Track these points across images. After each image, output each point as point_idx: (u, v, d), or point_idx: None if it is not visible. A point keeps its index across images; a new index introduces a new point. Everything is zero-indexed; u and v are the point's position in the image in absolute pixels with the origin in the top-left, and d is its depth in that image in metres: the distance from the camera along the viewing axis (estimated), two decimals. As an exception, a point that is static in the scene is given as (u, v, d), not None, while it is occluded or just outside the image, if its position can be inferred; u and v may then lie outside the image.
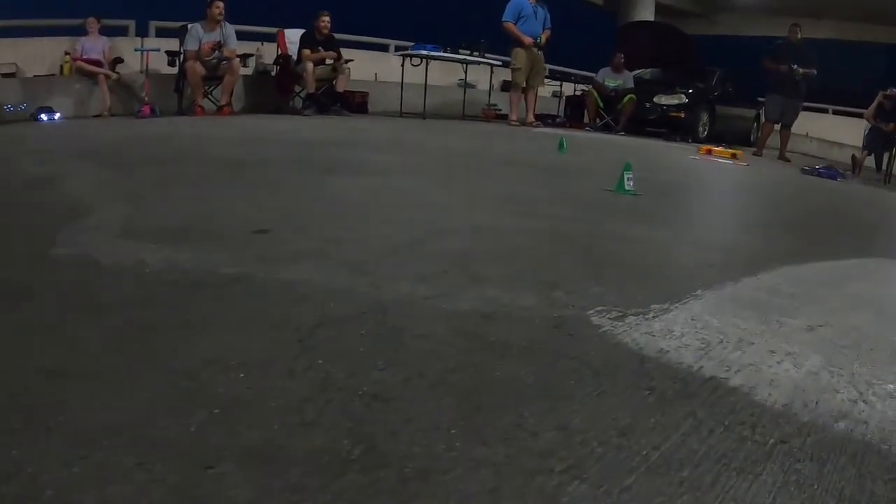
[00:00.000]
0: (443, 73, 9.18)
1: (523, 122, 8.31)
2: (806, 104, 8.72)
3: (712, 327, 1.48)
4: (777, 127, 8.22)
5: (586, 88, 9.54)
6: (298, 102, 7.65)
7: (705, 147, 7.24)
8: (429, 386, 1.08)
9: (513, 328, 1.37)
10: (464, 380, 1.12)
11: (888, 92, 7.96)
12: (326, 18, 7.51)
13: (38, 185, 2.72)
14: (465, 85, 9.07)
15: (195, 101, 6.64)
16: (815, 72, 7.87)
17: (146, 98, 6.44)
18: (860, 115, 9.14)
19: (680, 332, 1.43)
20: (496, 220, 2.50)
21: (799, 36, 7.95)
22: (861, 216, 4.31)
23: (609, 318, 1.47)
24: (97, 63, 6.53)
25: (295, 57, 7.52)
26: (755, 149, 8.52)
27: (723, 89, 9.80)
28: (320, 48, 7.47)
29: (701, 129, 9.13)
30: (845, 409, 1.14)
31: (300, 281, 1.57)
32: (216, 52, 6.68)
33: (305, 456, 0.86)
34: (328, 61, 7.56)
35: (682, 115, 8.91)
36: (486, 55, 8.64)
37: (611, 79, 9.03)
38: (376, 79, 9.20)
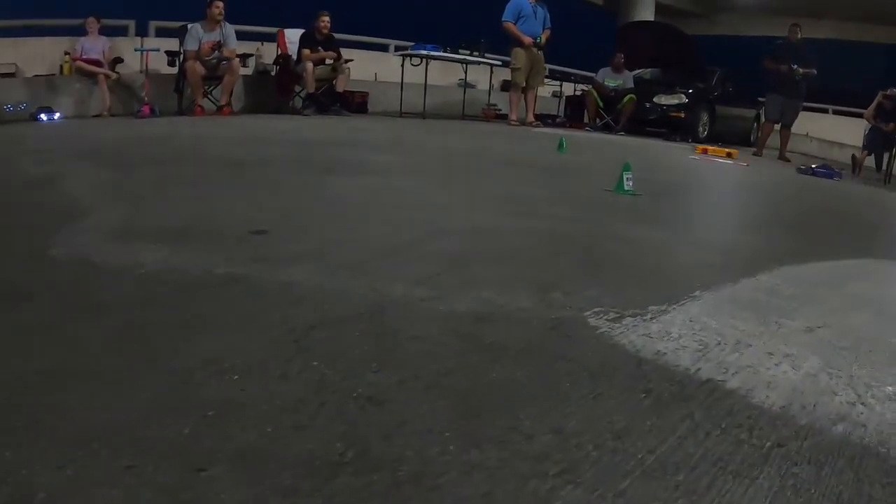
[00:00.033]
0: (443, 73, 9.18)
1: (523, 122, 8.30)
2: (806, 104, 8.72)
3: (710, 329, 1.47)
4: (777, 127, 8.21)
5: (586, 88, 9.53)
6: (298, 102, 7.66)
7: (701, 147, 7.33)
8: (423, 388, 1.08)
9: (509, 330, 1.36)
10: (459, 382, 1.11)
11: (888, 92, 7.95)
12: (326, 18, 7.51)
13: (38, 185, 2.71)
14: (465, 85, 9.07)
15: (195, 101, 6.64)
16: (815, 72, 7.87)
17: (146, 98, 6.44)
18: (860, 115, 9.14)
19: (677, 333, 1.42)
20: (495, 221, 2.49)
21: (799, 36, 7.95)
22: (861, 216, 4.30)
23: (606, 320, 1.46)
24: (97, 63, 6.53)
25: (295, 57, 7.52)
26: (755, 149, 8.51)
27: (723, 89, 9.80)
28: (320, 48, 7.47)
29: (701, 129, 9.13)
30: (844, 412, 1.13)
31: (297, 282, 1.56)
32: (216, 52, 6.68)
33: (298, 459, 0.85)
34: (328, 61, 7.56)
35: (682, 115, 8.91)
36: (485, 55, 8.63)
37: (611, 79, 9.03)
38: (376, 79, 9.20)
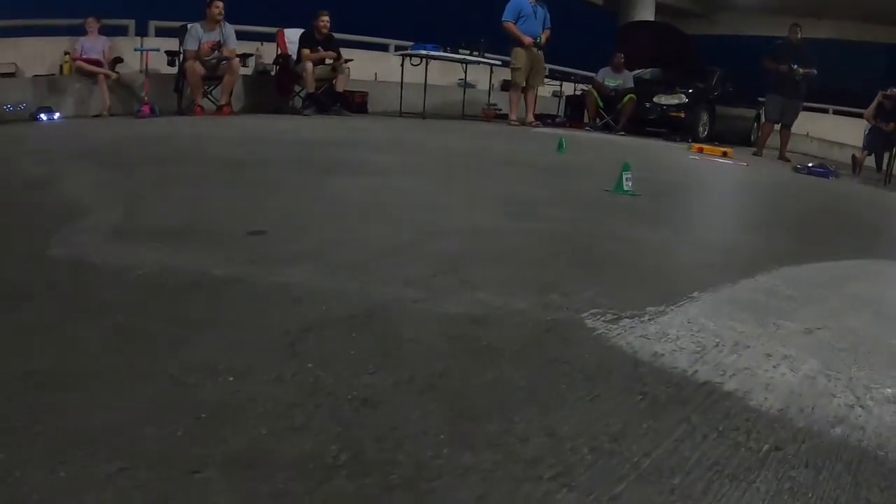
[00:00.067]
0: (442, 72, 9.17)
1: (523, 122, 8.29)
2: (806, 104, 8.71)
3: (708, 330, 1.47)
4: (777, 127, 8.21)
5: (586, 88, 9.53)
6: (298, 102, 7.65)
7: (696, 145, 7.41)
8: (418, 391, 1.07)
9: (505, 332, 1.36)
10: (453, 384, 1.11)
11: (888, 92, 7.93)
12: (326, 18, 7.50)
13: (38, 185, 2.71)
14: (465, 85, 9.06)
15: (195, 100, 6.63)
16: (815, 72, 7.86)
17: (146, 98, 6.44)
18: (860, 115, 9.12)
19: (675, 335, 1.42)
20: (494, 221, 2.49)
21: (799, 36, 7.94)
22: (861, 216, 4.29)
23: (604, 321, 1.45)
24: (97, 63, 6.53)
25: (294, 57, 7.52)
26: (755, 149, 8.50)
27: (723, 89, 9.79)
28: (320, 48, 7.47)
29: (701, 129, 9.11)
30: (842, 415, 1.13)
31: (295, 283, 1.56)
32: (216, 51, 6.68)
33: (291, 462, 0.85)
34: (328, 61, 7.55)
35: (682, 114, 8.90)
36: (485, 55, 8.62)
37: (611, 78, 9.02)
38: (376, 78, 9.19)
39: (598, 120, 8.94)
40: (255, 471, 0.83)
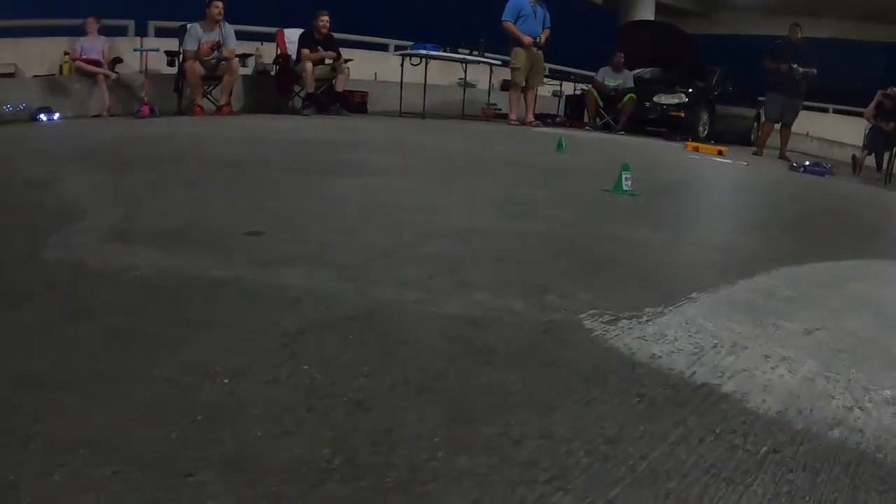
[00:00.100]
0: (442, 72, 9.17)
1: (523, 122, 8.29)
2: (806, 103, 8.71)
3: (706, 331, 1.46)
4: (777, 126, 8.20)
5: (586, 88, 9.52)
6: (298, 102, 7.65)
7: (692, 144, 7.48)
8: (413, 393, 1.06)
9: (502, 333, 1.35)
10: (449, 386, 1.10)
11: (888, 91, 7.92)
12: (325, 18, 7.50)
13: (37, 186, 2.71)
14: (465, 84, 9.06)
15: (194, 101, 6.64)
16: (815, 71, 7.86)
17: (145, 98, 6.44)
18: (860, 115, 9.11)
19: (673, 336, 1.41)
20: (494, 222, 2.48)
21: (799, 35, 7.93)
22: (861, 216, 4.28)
23: (601, 322, 1.45)
24: (96, 63, 6.53)
25: (294, 57, 7.51)
26: (755, 148, 8.50)
27: (723, 89, 9.78)
28: (319, 48, 7.46)
29: (701, 128, 9.11)
30: (840, 417, 1.12)
31: (292, 284, 1.55)
32: (215, 51, 6.67)
33: (285, 465, 0.84)
34: (327, 61, 7.55)
35: (682, 114, 8.90)
36: (485, 54, 8.62)
37: (611, 78, 9.02)
38: (376, 78, 9.19)
39: (598, 119, 8.94)
40: (249, 474, 0.82)
